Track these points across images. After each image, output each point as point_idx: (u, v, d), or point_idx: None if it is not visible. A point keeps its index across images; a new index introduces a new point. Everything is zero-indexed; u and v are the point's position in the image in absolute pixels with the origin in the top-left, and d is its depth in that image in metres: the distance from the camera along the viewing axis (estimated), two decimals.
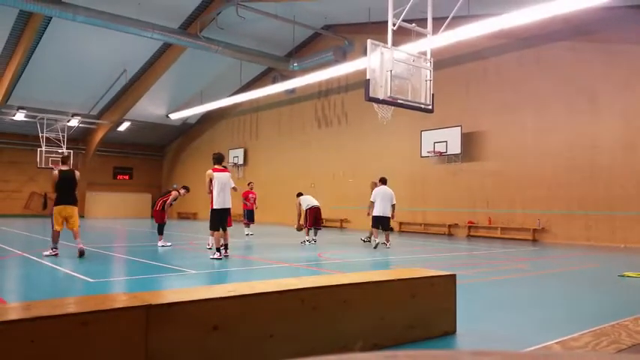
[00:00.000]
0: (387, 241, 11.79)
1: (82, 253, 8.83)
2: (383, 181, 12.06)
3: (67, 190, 8.90)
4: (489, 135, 16.70)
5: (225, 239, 9.16)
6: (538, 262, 10.00)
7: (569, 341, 1.74)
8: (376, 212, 11.63)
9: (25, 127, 27.09)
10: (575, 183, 14.51)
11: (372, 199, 11.79)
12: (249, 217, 15.36)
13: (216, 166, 9.07)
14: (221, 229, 9.01)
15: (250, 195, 15.46)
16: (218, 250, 8.98)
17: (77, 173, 9.21)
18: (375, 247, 11.48)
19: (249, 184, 16.07)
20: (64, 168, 9.20)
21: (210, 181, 8.90)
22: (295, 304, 3.22)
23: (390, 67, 7.92)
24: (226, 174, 9.15)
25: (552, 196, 15.02)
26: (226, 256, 9.09)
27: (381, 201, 11.65)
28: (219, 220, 8.99)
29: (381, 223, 11.66)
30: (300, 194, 13.39)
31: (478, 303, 5.46)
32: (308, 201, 12.92)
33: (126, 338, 2.56)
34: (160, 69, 22.84)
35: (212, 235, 9.69)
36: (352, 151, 21.30)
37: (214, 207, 8.92)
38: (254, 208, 15.52)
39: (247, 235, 14.81)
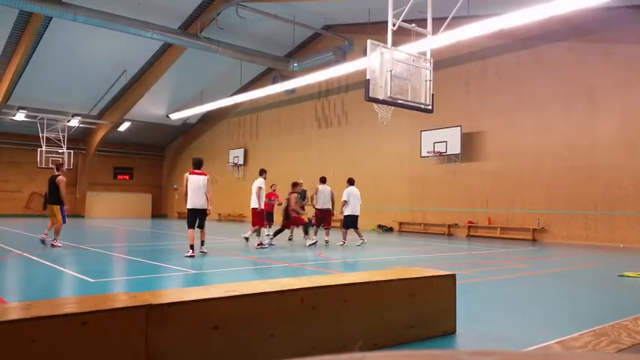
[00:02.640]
0: (361, 237, 12.25)
1: None
2: (351, 182, 12.57)
3: None
4: (489, 135, 16.70)
5: (201, 236, 9.63)
6: (538, 262, 10.00)
7: (569, 341, 1.74)
8: (350, 212, 12.20)
9: (25, 127, 27.10)
10: (575, 183, 14.51)
11: (345, 199, 12.25)
12: (267, 219, 15.19)
13: (193, 170, 9.56)
14: (195, 228, 9.48)
15: (272, 197, 15.27)
16: (191, 247, 9.29)
17: None
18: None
19: (271, 187, 15.27)
20: None
21: (187, 182, 9.47)
22: (295, 304, 3.22)
23: (390, 68, 7.93)
24: (200, 177, 9.46)
25: (552, 195, 15.02)
26: (202, 252, 9.45)
27: (354, 200, 12.23)
28: (191, 218, 9.45)
29: (352, 223, 12.22)
30: (323, 181, 12.90)
31: (478, 303, 5.46)
32: (324, 199, 12.62)
33: (126, 338, 2.56)
34: (160, 69, 22.84)
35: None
36: (352, 151, 21.29)
37: (186, 207, 9.50)
38: (273, 209, 15.19)
39: (268, 235, 14.80)
